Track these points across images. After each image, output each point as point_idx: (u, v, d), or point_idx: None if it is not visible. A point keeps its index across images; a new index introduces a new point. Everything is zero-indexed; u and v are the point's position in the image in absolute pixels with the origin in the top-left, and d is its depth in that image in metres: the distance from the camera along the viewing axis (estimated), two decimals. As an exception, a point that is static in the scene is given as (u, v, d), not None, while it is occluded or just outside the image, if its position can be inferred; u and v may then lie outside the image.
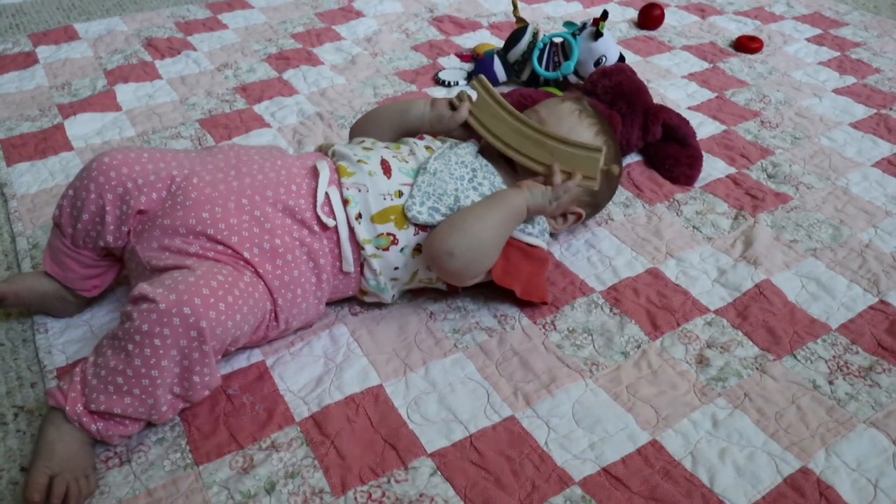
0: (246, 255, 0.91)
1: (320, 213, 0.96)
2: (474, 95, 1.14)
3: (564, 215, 1.15)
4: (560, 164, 1.08)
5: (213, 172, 0.96)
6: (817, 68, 1.85)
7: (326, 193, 0.97)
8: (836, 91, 1.73)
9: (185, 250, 0.90)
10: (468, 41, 1.95)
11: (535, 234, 1.07)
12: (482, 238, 0.97)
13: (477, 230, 0.97)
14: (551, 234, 1.15)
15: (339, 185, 0.99)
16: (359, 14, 2.11)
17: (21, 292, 0.99)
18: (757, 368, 1.00)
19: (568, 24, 1.69)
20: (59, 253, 0.98)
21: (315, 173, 0.99)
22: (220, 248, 0.90)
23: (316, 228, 0.96)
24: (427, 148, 1.09)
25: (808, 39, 2.01)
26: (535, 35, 1.66)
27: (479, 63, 1.72)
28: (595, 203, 1.19)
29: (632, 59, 1.85)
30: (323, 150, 1.09)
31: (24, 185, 1.34)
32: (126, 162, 0.93)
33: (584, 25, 1.65)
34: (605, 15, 1.61)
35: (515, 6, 1.71)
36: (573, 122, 1.14)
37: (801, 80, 1.79)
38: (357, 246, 0.98)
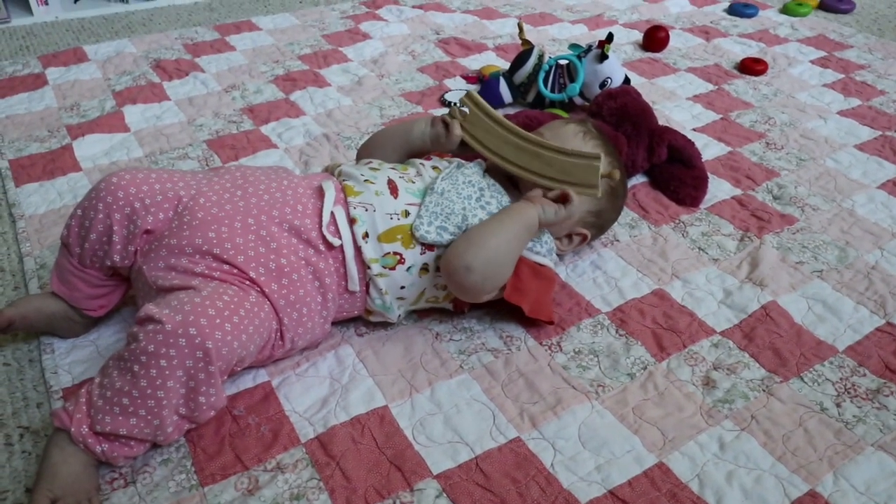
0: (252, 274, 0.91)
1: (326, 232, 0.96)
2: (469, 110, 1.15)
3: (570, 236, 1.15)
4: (559, 174, 1.07)
5: (219, 193, 0.97)
6: (822, 90, 1.85)
7: (332, 213, 0.98)
8: (841, 113, 1.74)
9: (191, 270, 0.90)
10: (474, 63, 1.96)
11: (543, 254, 1.07)
12: (499, 252, 0.97)
13: (493, 245, 0.97)
14: (557, 255, 1.15)
15: (346, 205, 1.00)
16: (365, 36, 2.13)
17: (28, 314, 0.99)
18: (764, 390, 0.99)
19: (573, 46, 1.70)
20: (66, 272, 0.99)
21: (321, 193, 1.00)
22: (225, 267, 0.90)
23: (321, 248, 0.96)
24: (434, 168, 1.09)
25: (812, 62, 2.02)
26: (540, 57, 1.68)
27: (484, 84, 1.73)
28: (600, 224, 1.19)
29: (637, 81, 1.86)
30: (330, 170, 1.10)
31: (33, 205, 1.34)
32: (134, 182, 0.94)
33: (589, 48, 1.67)
34: (610, 38, 1.63)
35: (521, 29, 1.72)
36: (577, 144, 1.14)
37: (806, 101, 1.79)
38: (363, 265, 0.98)
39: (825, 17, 2.39)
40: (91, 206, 0.94)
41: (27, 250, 1.23)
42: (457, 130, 1.12)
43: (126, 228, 0.93)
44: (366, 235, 0.98)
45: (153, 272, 0.91)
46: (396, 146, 1.17)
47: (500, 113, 1.13)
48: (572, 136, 1.15)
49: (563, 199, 1.05)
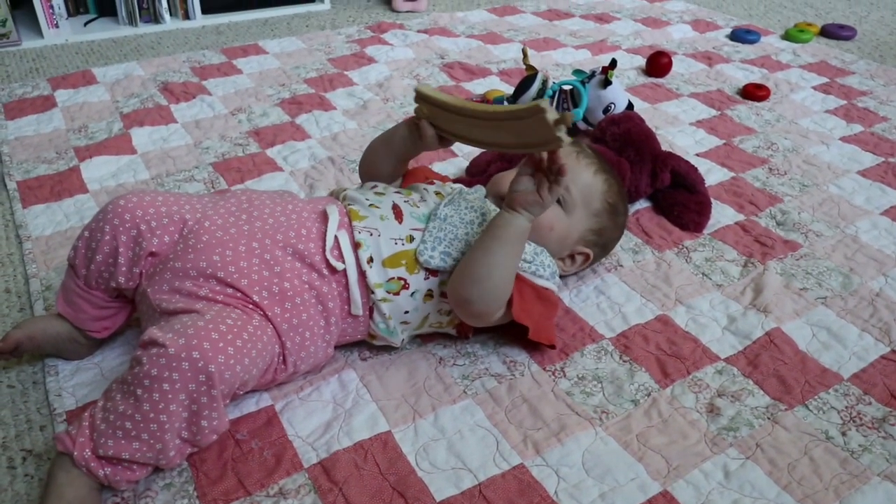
0: (255, 298, 0.91)
1: (329, 256, 0.97)
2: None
3: (572, 256, 1.16)
4: (520, 139, 0.99)
5: (224, 216, 0.98)
6: (824, 116, 1.86)
7: (336, 237, 0.98)
8: (844, 139, 1.75)
9: (195, 293, 0.90)
10: (478, 87, 1.98)
11: (546, 277, 1.07)
12: (493, 277, 0.96)
13: (485, 275, 0.96)
14: (560, 277, 1.15)
15: (350, 229, 1.00)
16: (371, 60, 2.15)
17: (35, 335, 1.00)
18: (769, 418, 0.99)
19: (577, 72, 1.72)
20: (72, 293, 0.99)
21: (325, 217, 1.00)
22: (229, 290, 0.91)
23: (325, 272, 0.97)
24: (437, 194, 1.10)
25: (814, 88, 2.03)
26: (544, 82, 1.69)
27: (489, 109, 1.74)
28: (603, 243, 1.19)
29: (640, 107, 1.87)
30: (335, 194, 1.10)
31: (39, 227, 1.35)
32: (140, 205, 0.95)
33: (593, 73, 1.68)
34: (613, 63, 1.64)
35: (525, 54, 1.74)
36: (571, 163, 1.13)
37: (809, 127, 1.80)
38: (366, 289, 0.99)
39: (826, 43, 2.41)
40: (98, 227, 0.95)
41: (33, 272, 1.23)
42: (429, 131, 1.08)
43: (132, 250, 0.94)
44: (370, 260, 0.98)
45: (157, 295, 0.92)
46: (388, 156, 1.15)
47: (450, 96, 1.05)
48: (565, 157, 1.15)
49: (557, 173, 0.98)
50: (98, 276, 0.96)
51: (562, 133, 0.93)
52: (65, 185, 1.48)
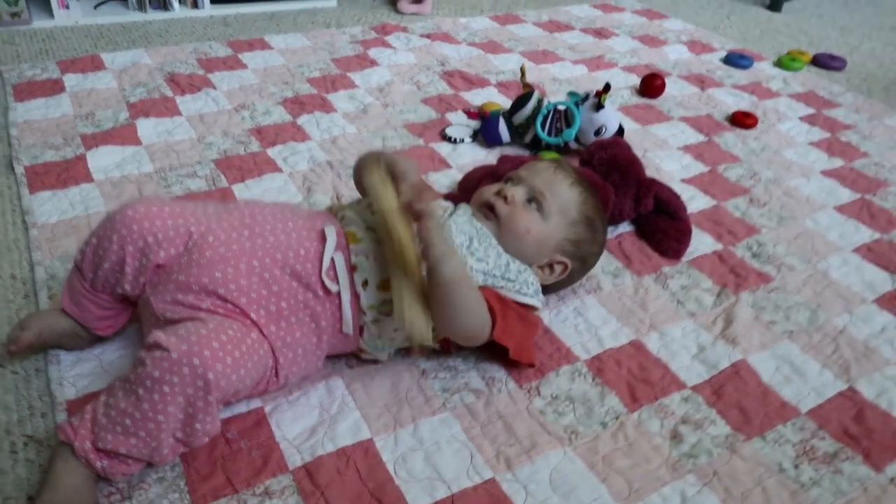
0: (253, 315, 0.96)
1: (325, 278, 1.02)
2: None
3: (551, 266, 1.20)
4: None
5: (227, 231, 1.02)
6: (808, 148, 1.92)
7: (332, 259, 1.03)
8: (824, 173, 1.80)
9: (197, 306, 0.95)
10: (476, 97, 2.03)
11: (531, 294, 1.12)
12: (458, 319, 1.02)
13: (448, 318, 1.02)
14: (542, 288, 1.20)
15: (347, 251, 1.05)
16: (373, 62, 2.19)
17: (43, 332, 1.05)
18: (727, 448, 1.05)
19: (572, 93, 1.77)
20: (78, 294, 1.04)
21: (324, 237, 1.05)
22: (229, 306, 0.96)
23: (320, 292, 1.02)
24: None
25: (801, 118, 2.08)
26: (539, 101, 1.74)
27: (484, 122, 1.79)
28: (581, 256, 1.22)
29: (631, 127, 1.92)
30: (334, 211, 1.15)
31: (45, 214, 1.39)
32: (147, 216, 0.99)
33: (587, 96, 1.73)
34: (607, 88, 1.69)
35: (523, 73, 1.79)
36: (548, 176, 1.20)
37: (792, 159, 1.86)
38: (359, 310, 1.04)
39: (817, 73, 2.47)
40: (106, 235, 0.99)
41: (38, 259, 1.28)
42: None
43: (138, 261, 0.99)
44: (365, 283, 1.03)
45: (161, 304, 0.97)
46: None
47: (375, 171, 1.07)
48: (544, 170, 1.21)
49: (415, 217, 1.00)
50: (104, 282, 1.02)
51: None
52: (71, 172, 1.52)
